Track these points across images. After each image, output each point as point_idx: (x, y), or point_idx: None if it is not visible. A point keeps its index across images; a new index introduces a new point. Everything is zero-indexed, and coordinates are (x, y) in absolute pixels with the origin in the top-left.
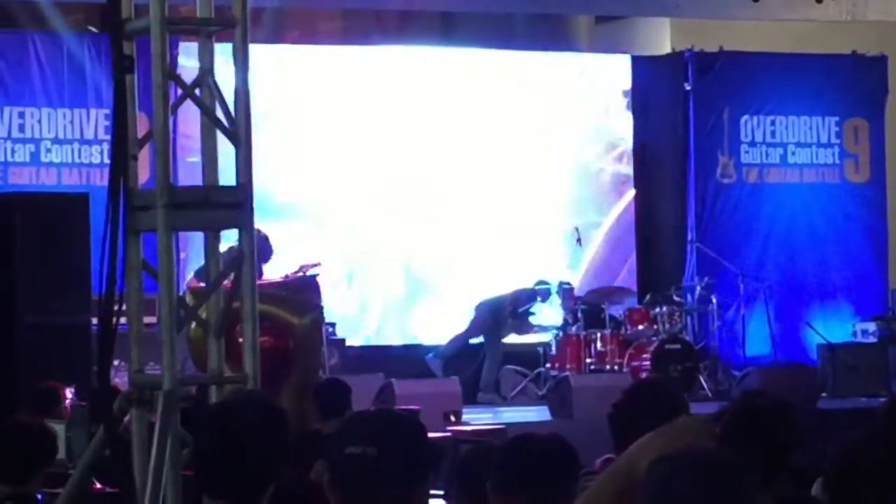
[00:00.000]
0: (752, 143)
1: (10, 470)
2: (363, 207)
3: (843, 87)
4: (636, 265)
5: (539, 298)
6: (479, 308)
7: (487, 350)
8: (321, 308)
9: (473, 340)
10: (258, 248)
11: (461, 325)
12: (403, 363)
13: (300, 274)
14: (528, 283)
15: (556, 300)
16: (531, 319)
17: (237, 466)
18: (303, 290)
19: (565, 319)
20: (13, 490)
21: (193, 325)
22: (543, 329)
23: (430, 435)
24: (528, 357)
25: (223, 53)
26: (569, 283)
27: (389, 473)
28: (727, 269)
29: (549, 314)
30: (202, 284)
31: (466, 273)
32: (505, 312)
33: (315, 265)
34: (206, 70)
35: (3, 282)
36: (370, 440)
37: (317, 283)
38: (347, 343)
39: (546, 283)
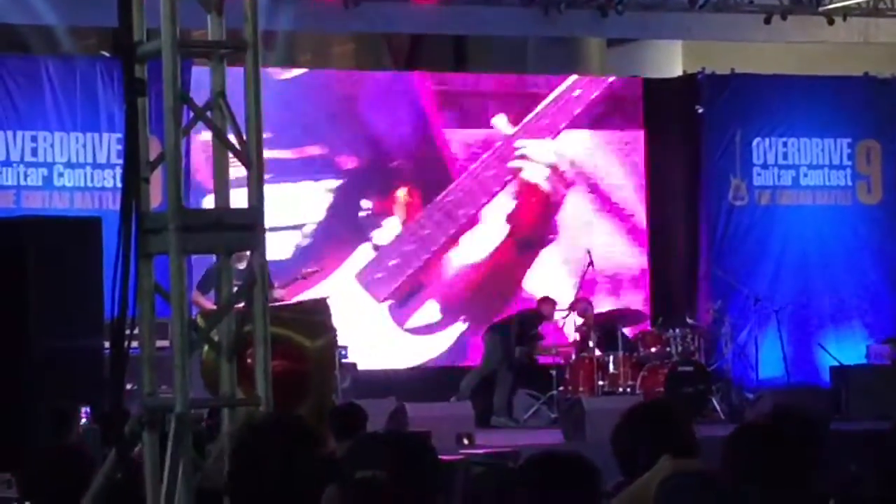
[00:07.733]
0: (765, 166)
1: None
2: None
3: (855, 108)
4: (649, 287)
5: (544, 319)
6: (488, 336)
7: (498, 375)
8: (335, 330)
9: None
10: None
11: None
12: (416, 386)
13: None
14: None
15: (572, 319)
16: (540, 342)
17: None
18: (314, 312)
19: (577, 341)
20: None
21: (206, 349)
22: (554, 350)
23: (443, 457)
24: (541, 380)
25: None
26: (586, 301)
27: (399, 496)
28: (740, 292)
29: (560, 335)
30: (206, 299)
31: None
32: (513, 337)
33: (314, 271)
34: (218, 93)
35: (16, 305)
36: (380, 463)
37: (328, 304)
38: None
39: (550, 300)
